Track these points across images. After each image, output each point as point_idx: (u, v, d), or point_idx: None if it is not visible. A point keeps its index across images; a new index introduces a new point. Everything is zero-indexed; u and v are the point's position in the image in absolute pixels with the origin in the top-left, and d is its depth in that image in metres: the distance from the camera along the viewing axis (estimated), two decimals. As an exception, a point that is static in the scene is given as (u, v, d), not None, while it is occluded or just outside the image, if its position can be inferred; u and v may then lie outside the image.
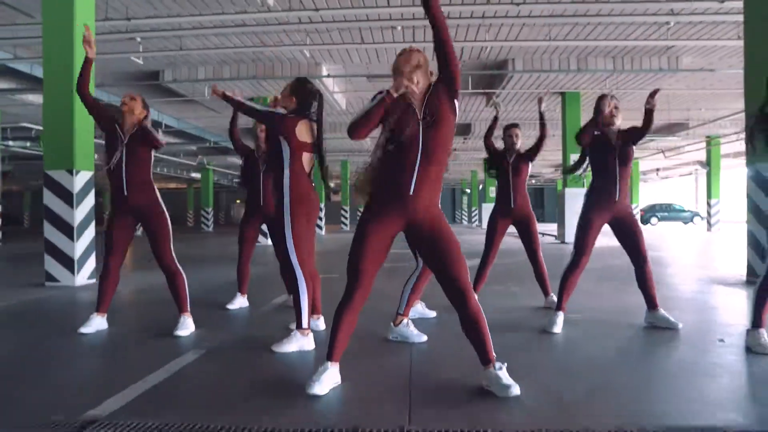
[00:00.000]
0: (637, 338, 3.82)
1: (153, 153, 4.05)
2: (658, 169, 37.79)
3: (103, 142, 4.05)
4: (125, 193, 3.88)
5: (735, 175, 38.53)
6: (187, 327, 3.87)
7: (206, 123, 20.00)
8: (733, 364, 3.08)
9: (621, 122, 4.10)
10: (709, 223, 23.64)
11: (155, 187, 4.02)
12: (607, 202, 3.93)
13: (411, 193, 2.57)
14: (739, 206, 38.09)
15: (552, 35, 10.12)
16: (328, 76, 12.21)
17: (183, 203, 44.09)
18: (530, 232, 4.95)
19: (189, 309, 4.00)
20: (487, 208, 30.56)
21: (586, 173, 4.20)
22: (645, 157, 29.47)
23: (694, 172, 37.91)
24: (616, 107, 4.01)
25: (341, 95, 15.47)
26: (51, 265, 6.72)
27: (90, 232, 6.95)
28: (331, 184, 3.84)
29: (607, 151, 3.97)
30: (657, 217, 34.59)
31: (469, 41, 10.48)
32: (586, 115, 17.36)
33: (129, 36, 9.18)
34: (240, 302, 5.03)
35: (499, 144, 5.18)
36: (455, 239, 2.61)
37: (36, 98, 14.09)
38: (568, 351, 3.50)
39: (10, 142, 21.15)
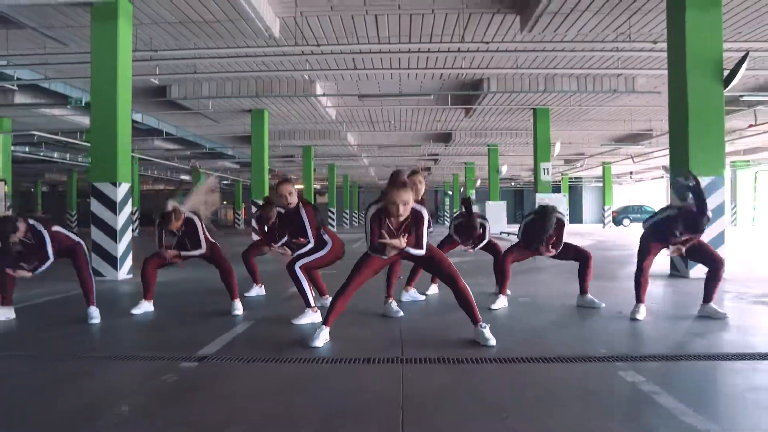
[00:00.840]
0: (570, 313, 5.27)
1: None
2: (631, 173, 39.69)
3: None
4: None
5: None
6: (239, 308, 5.26)
7: (204, 131, 21.23)
8: (618, 323, 4.55)
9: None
10: (672, 225, 25.34)
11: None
12: None
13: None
14: None
15: (519, 64, 11.66)
16: (324, 95, 13.62)
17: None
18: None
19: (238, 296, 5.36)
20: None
21: None
22: (617, 162, 31.25)
23: (665, 176, 39.83)
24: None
25: (332, 108, 16.88)
26: (98, 262, 8.04)
27: (128, 235, 8.29)
28: None
29: None
30: (629, 218, 36.37)
31: (447, 68, 11.96)
32: (554, 126, 19.02)
33: (152, 64, 10.52)
34: (257, 291, 6.40)
35: None
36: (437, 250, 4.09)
37: (53, 110, 15.33)
38: (521, 319, 4.94)
39: (15, 147, 22.17)
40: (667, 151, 24.83)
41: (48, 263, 4.66)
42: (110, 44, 8.10)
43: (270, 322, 4.89)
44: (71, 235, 4.98)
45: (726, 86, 7.90)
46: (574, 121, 19.60)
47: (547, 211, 5.16)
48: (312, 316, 4.73)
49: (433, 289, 6.21)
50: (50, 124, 18.65)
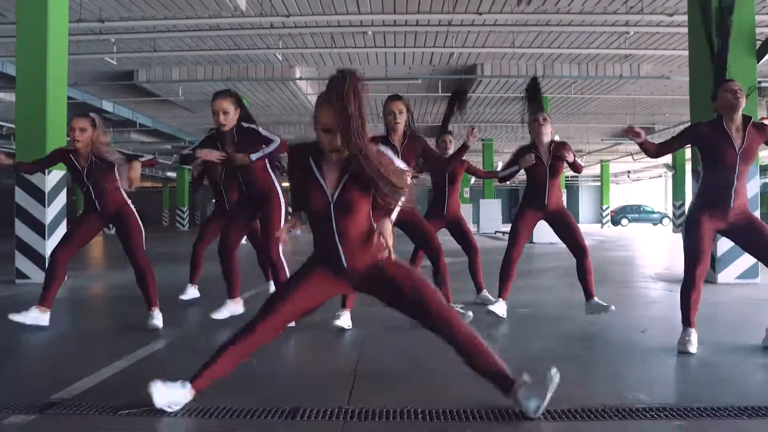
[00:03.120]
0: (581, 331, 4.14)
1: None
2: (628, 172, 38.69)
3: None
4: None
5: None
6: (158, 319, 4.07)
7: (181, 123, 20.06)
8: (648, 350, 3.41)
9: (553, 135, 4.42)
10: (674, 224, 24.33)
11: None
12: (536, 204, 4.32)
13: None
14: None
15: (516, 43, 10.50)
16: (301, 78, 12.45)
17: (158, 203, 43.81)
18: (463, 231, 5.16)
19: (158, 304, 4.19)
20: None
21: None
22: (615, 160, 30.23)
23: (663, 175, 38.87)
24: (544, 119, 4.33)
25: (314, 97, 15.71)
26: (23, 262, 6.85)
27: (61, 231, 7.09)
28: None
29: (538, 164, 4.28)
30: (627, 218, 35.39)
31: (438, 47, 10.82)
32: (552, 119, 17.90)
33: (103, 38, 9.31)
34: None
35: None
36: None
37: (7, 96, 14.07)
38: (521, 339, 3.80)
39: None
40: (669, 148, 24.07)
41: None
42: (39, 8, 6.89)
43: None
44: None
45: (759, 59, 6.78)
46: (573, 114, 18.57)
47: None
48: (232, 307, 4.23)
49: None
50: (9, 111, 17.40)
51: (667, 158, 26.52)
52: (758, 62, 6.75)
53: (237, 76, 12.86)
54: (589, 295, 4.33)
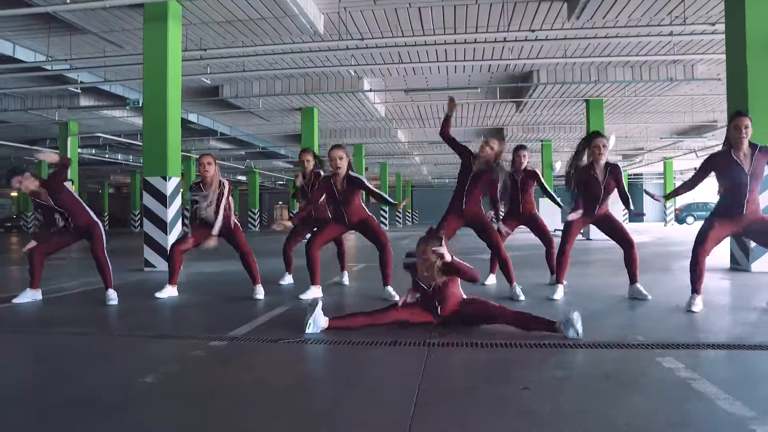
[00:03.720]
0: (617, 302, 5.08)
1: None
2: (695, 168, 37.95)
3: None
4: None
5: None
6: (260, 293, 5.36)
7: (255, 130, 21.70)
8: (664, 313, 4.34)
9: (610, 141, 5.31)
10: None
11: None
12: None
13: None
14: None
15: (569, 53, 11.32)
16: (371, 90, 13.65)
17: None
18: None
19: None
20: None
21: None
22: (678, 157, 29.97)
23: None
24: (604, 146, 5.06)
25: (381, 105, 16.92)
26: (149, 253, 8.34)
27: (178, 227, 8.55)
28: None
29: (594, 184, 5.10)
30: (693, 216, 34.86)
31: (495, 59, 11.76)
32: (608, 119, 18.41)
33: (203, 62, 10.83)
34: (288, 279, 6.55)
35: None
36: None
37: (116, 113, 16.04)
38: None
39: (81, 150, 23.32)
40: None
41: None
42: (161, 43, 8.39)
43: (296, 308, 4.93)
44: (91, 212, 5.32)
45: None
46: (631, 114, 18.93)
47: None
48: (314, 291, 5.38)
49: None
50: (111, 126, 19.52)
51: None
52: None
53: (311, 89, 14.19)
54: (633, 280, 5.12)
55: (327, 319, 3.78)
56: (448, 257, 3.72)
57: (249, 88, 14.75)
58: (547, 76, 13.51)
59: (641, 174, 44.41)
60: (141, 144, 20.94)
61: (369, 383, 2.76)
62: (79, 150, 22.54)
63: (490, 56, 11.73)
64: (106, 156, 26.63)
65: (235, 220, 5.59)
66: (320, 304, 3.82)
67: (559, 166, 23.86)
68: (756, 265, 7.24)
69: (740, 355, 3.19)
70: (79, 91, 14.00)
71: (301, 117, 17.02)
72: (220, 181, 5.42)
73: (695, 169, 6.31)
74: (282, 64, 12.24)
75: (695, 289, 4.48)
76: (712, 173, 4.61)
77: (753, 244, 7.21)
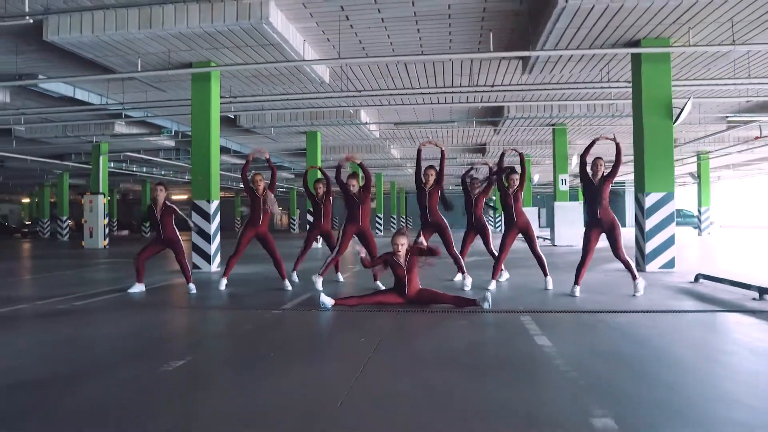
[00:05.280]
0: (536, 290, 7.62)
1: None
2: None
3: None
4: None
5: (728, 185, 41.04)
6: (287, 286, 7.91)
7: (265, 147, 24.23)
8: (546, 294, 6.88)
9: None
10: (699, 228, 26.82)
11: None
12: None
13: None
14: (737, 213, 39.88)
15: (530, 98, 14.01)
16: (366, 123, 16.30)
17: (230, 211, 49.19)
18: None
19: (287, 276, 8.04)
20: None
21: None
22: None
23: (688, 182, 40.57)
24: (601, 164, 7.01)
25: (376, 131, 19.57)
26: (196, 258, 10.89)
27: (218, 238, 11.10)
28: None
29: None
30: (666, 222, 37.23)
31: (470, 102, 14.44)
32: (576, 140, 21.05)
33: (231, 104, 13.48)
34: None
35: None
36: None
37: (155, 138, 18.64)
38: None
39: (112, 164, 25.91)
40: (692, 159, 26.52)
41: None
42: (205, 96, 10.98)
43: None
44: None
45: (675, 122, 10.04)
46: (596, 135, 21.54)
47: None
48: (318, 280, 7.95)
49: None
50: (137, 145, 22.09)
51: (693, 167, 28.97)
52: (675, 124, 9.99)
53: (316, 119, 16.78)
54: (633, 276, 6.98)
55: (332, 300, 6.30)
56: (406, 246, 6.28)
57: (263, 117, 17.32)
58: (516, 111, 16.13)
59: (623, 182, 47.14)
60: (160, 160, 23.69)
61: (351, 333, 5.32)
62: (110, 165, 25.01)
63: (465, 100, 14.38)
64: (124, 168, 29.12)
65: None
66: (321, 295, 6.29)
67: (537, 179, 26.47)
68: (650, 266, 9.82)
69: (567, 316, 5.76)
70: (121, 122, 16.57)
71: (307, 139, 19.60)
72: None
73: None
74: (293, 104, 14.86)
75: (577, 281, 7.09)
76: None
77: (649, 249, 9.80)
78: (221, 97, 12.85)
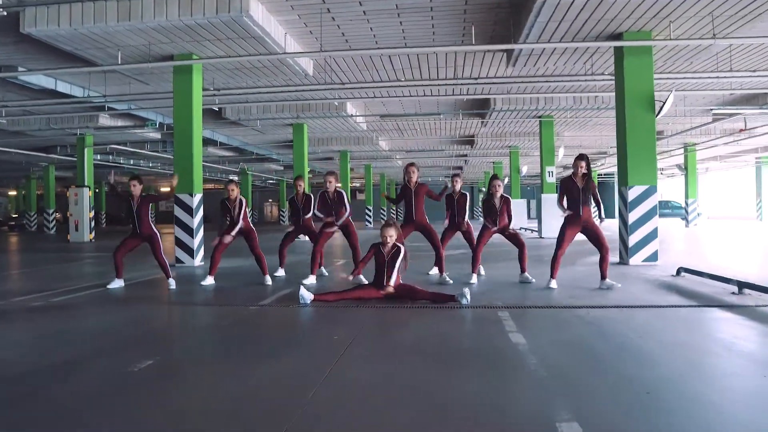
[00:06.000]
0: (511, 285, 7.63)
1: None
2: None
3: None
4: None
5: (716, 176, 41.35)
6: (268, 280, 7.89)
7: (251, 140, 24.15)
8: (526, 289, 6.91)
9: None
10: (686, 219, 27.00)
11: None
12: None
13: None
14: (724, 204, 40.20)
15: (517, 89, 13.99)
16: (352, 115, 16.23)
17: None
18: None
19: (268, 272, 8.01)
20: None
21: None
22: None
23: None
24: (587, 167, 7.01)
25: (363, 123, 19.50)
26: (179, 252, 10.82)
27: (201, 232, 11.03)
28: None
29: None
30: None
31: (456, 95, 14.39)
32: (562, 131, 21.10)
33: (213, 95, 13.36)
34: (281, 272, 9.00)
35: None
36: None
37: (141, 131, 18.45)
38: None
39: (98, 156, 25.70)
40: (680, 151, 26.65)
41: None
42: (187, 90, 10.88)
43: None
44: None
45: (658, 115, 10.06)
46: (583, 126, 21.56)
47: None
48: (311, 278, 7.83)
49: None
50: (124, 136, 21.90)
51: (680, 159, 29.12)
52: (657, 116, 10.01)
53: (302, 111, 16.68)
54: (603, 276, 6.99)
55: (312, 295, 6.27)
56: (394, 238, 6.31)
57: (248, 109, 17.20)
58: (502, 104, 16.10)
59: (612, 173, 47.34)
60: (146, 152, 23.51)
61: (327, 329, 5.31)
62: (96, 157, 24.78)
63: (451, 92, 14.34)
64: (110, 160, 28.88)
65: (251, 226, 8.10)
66: (302, 287, 6.29)
67: (525, 170, 26.49)
68: (632, 260, 9.87)
69: (544, 311, 5.77)
70: (104, 115, 16.39)
71: (293, 131, 19.50)
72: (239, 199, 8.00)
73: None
74: (278, 97, 14.75)
75: (552, 275, 7.12)
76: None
77: (632, 243, 9.85)
78: (205, 89, 12.73)
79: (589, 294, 6.72)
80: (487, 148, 26.77)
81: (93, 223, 20.94)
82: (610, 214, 45.50)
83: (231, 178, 23.65)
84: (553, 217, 17.83)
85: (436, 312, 5.71)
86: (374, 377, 3.54)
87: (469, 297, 6.07)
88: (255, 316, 5.70)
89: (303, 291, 6.23)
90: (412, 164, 7.87)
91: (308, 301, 6.19)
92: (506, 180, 28.48)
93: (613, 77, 11.31)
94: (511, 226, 7.90)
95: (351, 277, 6.60)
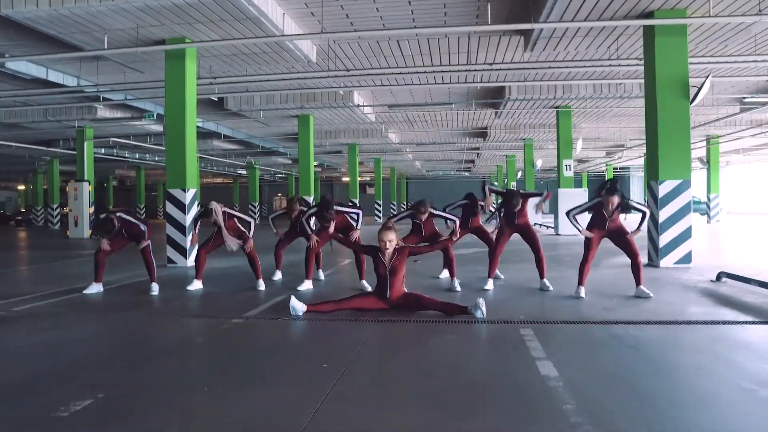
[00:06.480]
0: (529, 292, 6.79)
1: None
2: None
3: None
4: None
5: (736, 170, 40.04)
6: (261, 285, 7.10)
7: (256, 132, 23.38)
8: (553, 299, 6.06)
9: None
10: (708, 215, 25.88)
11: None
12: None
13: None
14: (743, 198, 38.91)
15: (534, 76, 13.05)
16: (359, 105, 15.37)
17: (229, 197, 48.23)
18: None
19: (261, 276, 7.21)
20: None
21: None
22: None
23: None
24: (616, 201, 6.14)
25: (371, 114, 18.64)
26: (171, 252, 10.07)
27: (195, 230, 10.24)
28: None
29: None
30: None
31: (468, 83, 13.49)
32: (580, 123, 20.11)
33: (211, 84, 12.56)
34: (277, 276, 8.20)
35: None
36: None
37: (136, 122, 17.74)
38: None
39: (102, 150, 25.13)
40: (702, 144, 25.53)
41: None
42: (179, 77, 10.09)
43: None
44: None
45: (692, 102, 9.12)
46: (601, 118, 20.55)
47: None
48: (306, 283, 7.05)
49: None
50: (124, 129, 21.21)
51: (701, 152, 27.96)
52: (691, 104, 9.07)
53: (306, 102, 15.85)
54: (638, 282, 6.22)
55: (305, 305, 5.47)
56: (394, 243, 5.53)
57: (251, 100, 16.40)
58: (517, 92, 15.17)
59: (628, 167, 46.10)
60: (148, 145, 22.83)
61: (325, 346, 4.50)
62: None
63: (464, 80, 13.43)
64: (114, 153, 28.26)
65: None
66: (292, 298, 5.47)
67: (540, 164, 25.54)
68: (663, 262, 8.97)
69: (574, 328, 4.93)
70: (101, 106, 15.68)
71: (298, 123, 18.68)
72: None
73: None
74: (280, 86, 13.93)
75: (581, 282, 6.29)
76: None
77: (663, 243, 8.96)
78: (202, 78, 11.95)
79: (623, 304, 5.86)
80: (500, 141, 25.77)
81: (94, 218, 20.30)
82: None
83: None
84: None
85: (445, 328, 4.89)
86: (369, 423, 2.76)
87: (484, 309, 5.24)
88: (236, 332, 4.91)
89: (294, 301, 5.44)
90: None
91: (300, 313, 5.40)
92: (519, 174, 27.61)
93: (640, 61, 10.40)
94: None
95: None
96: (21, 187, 51.70)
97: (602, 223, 6.27)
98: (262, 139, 25.98)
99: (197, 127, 20.32)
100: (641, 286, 6.26)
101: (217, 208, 7.04)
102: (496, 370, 3.76)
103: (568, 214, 6.47)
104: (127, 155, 29.50)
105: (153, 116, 14.70)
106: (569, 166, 17.72)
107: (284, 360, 4.06)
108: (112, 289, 7.33)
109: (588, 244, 6.34)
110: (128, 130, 21.48)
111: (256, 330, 5.02)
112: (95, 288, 7.05)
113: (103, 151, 27.50)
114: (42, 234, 23.32)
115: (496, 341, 4.50)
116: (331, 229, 7.04)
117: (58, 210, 28.87)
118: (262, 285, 7.16)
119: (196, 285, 7.24)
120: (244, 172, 41.30)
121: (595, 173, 47.95)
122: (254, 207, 36.09)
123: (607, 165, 39.11)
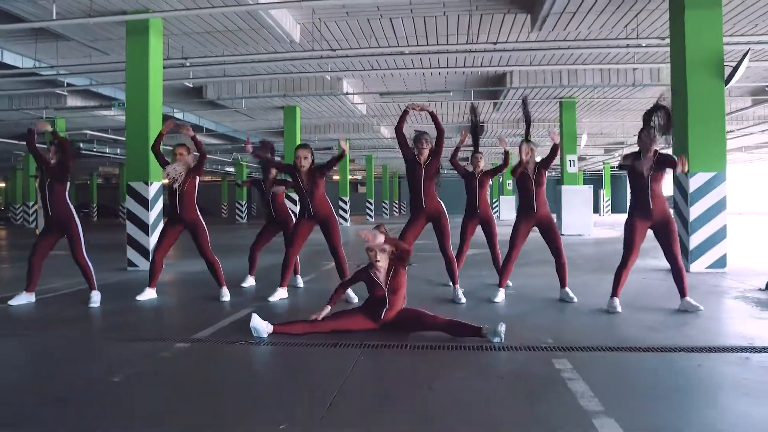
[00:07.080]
0: (547, 305, 5.64)
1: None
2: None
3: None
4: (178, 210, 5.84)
5: (737, 169, 39.22)
6: (225, 295, 5.89)
7: (241, 126, 22.11)
8: (584, 316, 4.91)
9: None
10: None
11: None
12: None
13: None
14: (742, 198, 38.14)
15: (539, 60, 11.87)
16: (348, 93, 14.15)
17: (218, 195, 46.83)
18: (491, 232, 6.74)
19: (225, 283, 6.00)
20: (504, 200, 32.15)
21: None
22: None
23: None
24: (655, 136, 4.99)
25: (362, 105, 17.41)
26: (132, 254, 8.83)
27: (158, 229, 9.03)
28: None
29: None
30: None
31: (468, 66, 12.29)
32: (583, 117, 19.01)
33: (186, 70, 11.30)
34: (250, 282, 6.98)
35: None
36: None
37: (102, 111, 16.41)
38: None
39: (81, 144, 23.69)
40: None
41: None
42: (142, 54, 8.85)
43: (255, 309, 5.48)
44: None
45: (727, 83, 8.00)
46: (605, 112, 19.52)
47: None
48: (281, 292, 5.88)
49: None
50: (99, 122, 19.91)
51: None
52: (726, 85, 7.95)
53: (292, 90, 14.63)
54: (682, 293, 5.10)
55: (271, 325, 4.28)
56: (387, 254, 4.36)
57: (232, 88, 15.17)
58: (520, 80, 14.02)
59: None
60: (124, 139, 21.50)
61: (295, 383, 3.30)
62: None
63: (462, 63, 12.24)
64: (94, 150, 26.92)
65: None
66: (254, 316, 4.25)
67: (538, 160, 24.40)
68: (694, 266, 7.84)
69: (623, 358, 3.75)
70: (65, 93, 14.39)
71: (284, 115, 17.46)
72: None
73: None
74: (262, 69, 12.70)
75: (615, 292, 5.13)
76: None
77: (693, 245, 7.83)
78: (172, 58, 10.69)
79: (671, 321, 4.71)
80: (498, 137, 24.64)
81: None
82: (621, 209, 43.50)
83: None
84: (574, 211, 15.78)
85: (453, 360, 3.71)
86: None
87: (503, 334, 4.04)
88: (176, 362, 3.70)
89: (256, 320, 4.23)
90: (423, 134, 5.76)
91: (264, 335, 4.20)
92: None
93: (662, 40, 9.28)
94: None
95: (317, 317, 4.38)
96: (2, 185, 50.14)
97: (647, 212, 4.99)
98: (245, 133, 24.73)
99: (177, 119, 19.27)
100: (687, 298, 5.11)
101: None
102: (530, 428, 2.57)
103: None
104: (107, 151, 28.15)
105: (122, 105, 13.41)
106: (573, 161, 16.60)
107: (225, 415, 2.84)
108: (47, 299, 6.10)
109: (630, 238, 5.11)
110: (106, 122, 20.17)
111: (202, 359, 3.81)
112: (24, 298, 5.80)
113: (81, 145, 26.15)
114: (15, 233, 21.98)
115: (523, 378, 3.31)
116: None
117: (35, 208, 27.50)
118: (226, 294, 5.94)
119: (149, 294, 6.02)
120: (231, 169, 39.98)
121: (592, 173, 46.93)
122: (241, 205, 34.78)
123: (604, 164, 38.07)
